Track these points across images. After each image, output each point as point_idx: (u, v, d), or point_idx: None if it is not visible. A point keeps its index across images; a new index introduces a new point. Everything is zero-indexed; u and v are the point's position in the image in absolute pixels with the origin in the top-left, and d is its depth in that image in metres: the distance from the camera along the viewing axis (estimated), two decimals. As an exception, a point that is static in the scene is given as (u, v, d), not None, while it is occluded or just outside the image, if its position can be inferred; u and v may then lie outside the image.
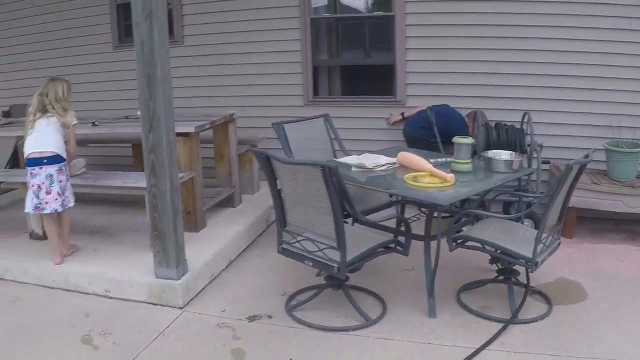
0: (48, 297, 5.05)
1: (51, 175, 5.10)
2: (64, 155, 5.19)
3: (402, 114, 6.67)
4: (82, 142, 6.61)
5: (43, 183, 5.10)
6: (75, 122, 5.25)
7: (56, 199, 5.15)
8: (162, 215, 4.59)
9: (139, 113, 4.58)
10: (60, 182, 5.14)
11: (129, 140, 6.97)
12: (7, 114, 7.99)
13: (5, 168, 7.00)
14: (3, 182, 6.75)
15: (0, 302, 5.07)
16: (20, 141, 5.80)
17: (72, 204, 5.28)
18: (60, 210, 5.20)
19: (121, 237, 5.83)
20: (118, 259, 5.24)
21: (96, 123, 6.17)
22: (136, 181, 5.33)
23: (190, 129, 5.53)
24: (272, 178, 4.27)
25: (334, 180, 3.86)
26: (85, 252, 5.45)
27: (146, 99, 4.44)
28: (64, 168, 5.17)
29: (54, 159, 5.11)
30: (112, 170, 6.22)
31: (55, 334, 4.42)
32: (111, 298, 4.88)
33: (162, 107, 4.42)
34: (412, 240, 4.49)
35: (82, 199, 5.61)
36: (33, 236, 5.82)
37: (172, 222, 4.60)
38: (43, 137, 5.14)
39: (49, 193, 5.12)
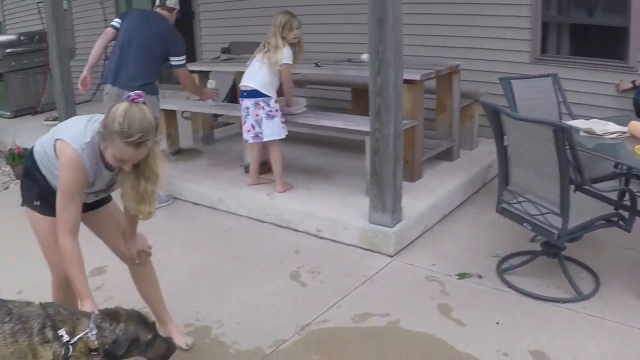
0: (259, 230, 5.24)
1: (247, 108, 5.38)
2: (266, 92, 5.34)
3: (633, 82, 6.18)
4: (300, 82, 6.73)
5: (242, 114, 5.46)
6: (286, 61, 5.30)
7: (248, 130, 5.43)
8: (382, 160, 4.53)
9: (363, 57, 4.54)
10: (256, 115, 5.35)
11: (349, 83, 6.97)
12: (226, 50, 8.30)
13: (223, 102, 7.28)
14: (221, 115, 7.04)
15: (212, 230, 5.34)
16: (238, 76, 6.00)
17: (266, 139, 5.41)
18: (250, 141, 5.47)
19: (335, 179, 5.86)
20: (331, 199, 5.30)
21: (319, 64, 6.22)
22: (358, 124, 5.32)
23: (415, 76, 5.40)
24: (499, 133, 4.09)
25: (565, 143, 3.62)
26: (299, 190, 5.56)
27: (376, 42, 4.38)
28: (261, 103, 5.33)
29: (252, 93, 5.35)
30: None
31: (264, 266, 4.58)
32: (321, 238, 4.96)
33: (392, 51, 4.34)
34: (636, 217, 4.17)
35: (295, 138, 5.74)
36: (248, 170, 5.99)
37: (392, 167, 4.54)
38: (250, 71, 5.42)
39: (244, 124, 5.45)
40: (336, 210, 5.06)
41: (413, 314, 3.87)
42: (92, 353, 2.86)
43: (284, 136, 5.46)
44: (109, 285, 4.24)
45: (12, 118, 10.33)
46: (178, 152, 6.97)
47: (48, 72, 9.58)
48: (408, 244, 4.80)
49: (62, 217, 3.08)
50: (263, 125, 5.35)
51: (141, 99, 2.93)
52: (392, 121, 4.45)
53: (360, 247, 4.75)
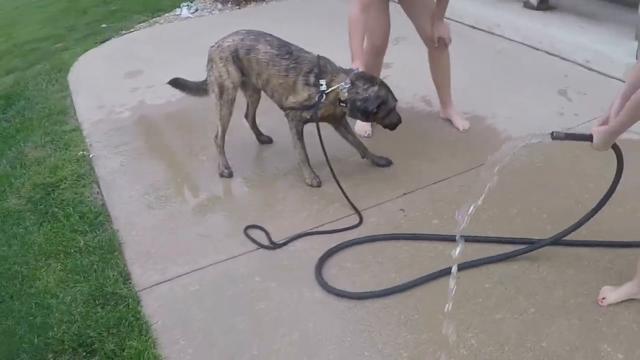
0: (531, 55, 5.79)
1: None
2: None
3: None
4: None
5: None
6: None
7: None
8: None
9: None
10: None
11: None
12: None
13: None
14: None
15: (488, 50, 6.02)
16: None
17: None
18: None
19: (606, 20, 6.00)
20: (601, 36, 5.59)
21: None
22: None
23: None
24: None
25: None
26: (574, 24, 5.93)
27: None
28: None
29: None
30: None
31: (534, 81, 5.21)
32: (589, 69, 5.36)
33: None
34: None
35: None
36: (527, 5, 6.45)
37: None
38: None
39: None
40: (606, 44, 5.40)
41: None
42: (341, 104, 3.77)
43: None
44: (394, 77, 4.98)
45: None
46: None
47: None
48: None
49: None
50: None
51: None
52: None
53: (622, 80, 5.01)
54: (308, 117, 3.83)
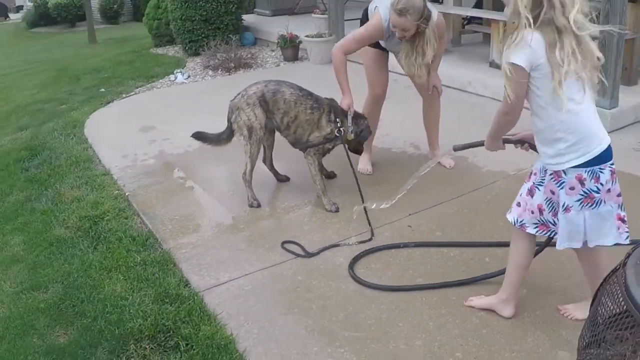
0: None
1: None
2: None
3: None
4: None
5: None
6: None
7: None
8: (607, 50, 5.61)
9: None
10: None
11: None
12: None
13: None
14: (470, 23, 8.46)
15: (462, 105, 6.90)
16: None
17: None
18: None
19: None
20: None
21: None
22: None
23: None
24: None
25: None
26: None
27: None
28: None
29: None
30: None
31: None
32: None
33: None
34: None
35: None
36: (492, 65, 7.45)
37: (614, 61, 5.74)
38: None
39: None
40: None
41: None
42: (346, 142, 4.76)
43: None
44: (385, 128, 5.88)
45: (272, 16, 12.70)
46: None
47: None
48: (619, 128, 5.96)
49: (346, 40, 4.81)
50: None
51: None
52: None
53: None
54: (330, 147, 4.75)
